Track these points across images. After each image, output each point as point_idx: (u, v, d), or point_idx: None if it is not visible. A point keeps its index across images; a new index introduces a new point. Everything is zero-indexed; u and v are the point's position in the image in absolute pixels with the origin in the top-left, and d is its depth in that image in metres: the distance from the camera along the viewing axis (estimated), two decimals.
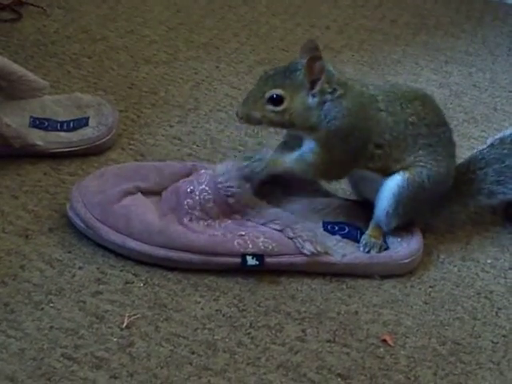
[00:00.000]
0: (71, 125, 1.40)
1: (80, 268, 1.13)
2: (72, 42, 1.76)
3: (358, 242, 1.22)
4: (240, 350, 1.04)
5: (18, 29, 1.79)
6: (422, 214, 1.26)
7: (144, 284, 1.12)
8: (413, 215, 1.24)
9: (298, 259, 1.16)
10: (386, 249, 1.22)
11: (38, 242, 1.17)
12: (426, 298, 1.17)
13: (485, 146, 1.32)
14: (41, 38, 1.76)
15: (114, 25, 1.87)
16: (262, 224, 1.19)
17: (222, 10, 2.06)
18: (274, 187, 1.26)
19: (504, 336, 1.12)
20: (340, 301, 1.14)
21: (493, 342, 1.11)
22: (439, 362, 1.06)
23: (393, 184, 1.20)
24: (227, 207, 1.19)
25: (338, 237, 1.22)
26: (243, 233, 1.16)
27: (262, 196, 1.23)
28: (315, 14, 2.11)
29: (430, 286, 1.20)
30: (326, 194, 1.30)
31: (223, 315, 1.09)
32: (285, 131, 1.24)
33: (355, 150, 1.18)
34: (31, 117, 1.39)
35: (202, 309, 1.09)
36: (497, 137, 1.32)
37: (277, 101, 1.16)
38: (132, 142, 1.44)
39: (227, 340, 1.05)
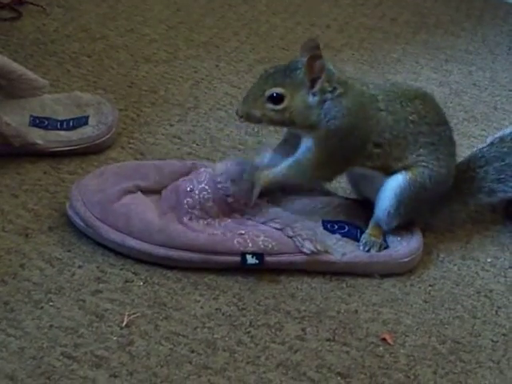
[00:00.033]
0: (71, 123, 1.40)
1: (80, 267, 1.13)
2: (72, 40, 1.76)
3: (357, 240, 1.22)
4: (240, 348, 1.04)
5: (17, 27, 1.79)
6: (422, 213, 1.26)
7: (144, 283, 1.12)
8: (413, 215, 1.24)
9: (298, 258, 1.16)
10: (386, 248, 1.22)
11: (38, 240, 1.17)
12: (425, 296, 1.17)
13: (485, 145, 1.32)
14: (40, 36, 1.76)
15: (114, 23, 1.87)
16: (262, 223, 1.19)
17: (222, 8, 2.06)
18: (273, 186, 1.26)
19: (504, 335, 1.12)
20: (340, 299, 1.14)
21: (493, 341, 1.11)
22: (439, 360, 1.06)
23: (394, 184, 1.20)
24: (226, 206, 1.19)
25: (337, 236, 1.22)
26: (243, 232, 1.16)
27: (261, 195, 1.23)
28: (315, 12, 2.11)
29: (430, 285, 1.20)
30: (326, 193, 1.30)
31: (223, 314, 1.09)
32: (285, 130, 1.24)
33: (354, 149, 1.18)
34: (31, 116, 1.39)
35: (201, 307, 1.09)
36: (497, 135, 1.32)
37: (277, 99, 1.16)
38: (132, 141, 1.44)
39: (227, 339, 1.05)
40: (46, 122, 1.39)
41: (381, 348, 1.07)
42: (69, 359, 0.98)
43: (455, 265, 1.25)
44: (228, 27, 1.95)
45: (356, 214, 1.27)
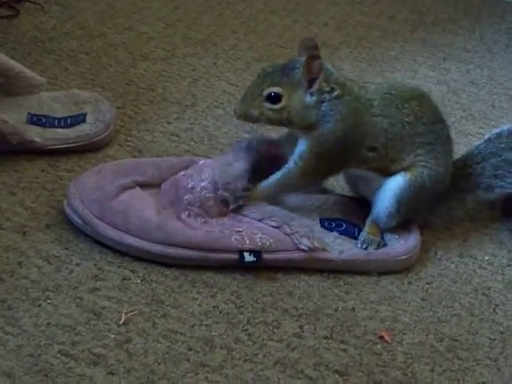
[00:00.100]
0: (69, 121, 1.40)
1: (77, 264, 1.13)
2: (69, 38, 1.76)
3: (355, 238, 1.22)
4: (237, 346, 1.04)
5: (15, 25, 1.79)
6: (421, 212, 1.26)
7: (141, 280, 1.12)
8: (412, 214, 1.24)
9: (296, 255, 1.16)
10: (384, 246, 1.22)
11: (36, 238, 1.17)
12: (423, 294, 1.17)
13: (481, 141, 1.32)
14: (38, 34, 1.76)
15: (112, 21, 1.87)
16: (259, 220, 1.18)
17: (220, 6, 2.06)
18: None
19: (501, 332, 1.12)
20: (337, 297, 1.14)
21: (490, 339, 1.11)
22: (436, 358, 1.06)
23: (394, 184, 1.20)
24: (226, 208, 1.19)
25: (335, 233, 1.22)
26: (240, 229, 1.16)
27: None
28: (313, 10, 2.11)
29: (428, 283, 1.20)
30: (323, 191, 1.30)
31: (220, 312, 1.09)
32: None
33: (346, 153, 1.18)
34: (29, 113, 1.39)
35: (199, 305, 1.09)
36: (493, 132, 1.32)
37: (275, 99, 1.15)
38: (129, 139, 1.44)
39: (224, 336, 1.05)
40: (44, 120, 1.39)
41: (378, 346, 1.07)
42: (66, 357, 0.98)
43: (453, 263, 1.25)
44: (226, 25, 1.95)
45: (353, 212, 1.27)
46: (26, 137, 1.32)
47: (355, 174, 1.24)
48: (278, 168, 1.20)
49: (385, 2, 2.23)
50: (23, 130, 1.32)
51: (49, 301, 1.06)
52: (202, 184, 1.18)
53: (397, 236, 1.23)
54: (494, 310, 1.16)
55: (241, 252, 1.14)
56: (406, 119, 1.18)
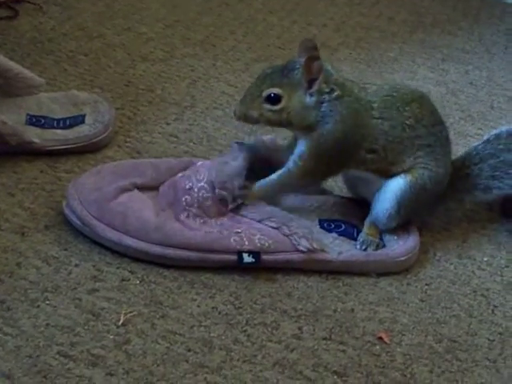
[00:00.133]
0: (67, 122, 1.40)
1: (76, 265, 1.13)
2: (68, 39, 1.76)
3: (354, 239, 1.22)
4: (236, 347, 1.04)
5: (14, 26, 1.79)
6: (420, 213, 1.26)
7: (140, 281, 1.12)
8: (412, 215, 1.24)
9: (295, 256, 1.16)
10: (383, 247, 1.22)
11: (34, 239, 1.17)
12: (422, 295, 1.17)
13: (479, 142, 1.32)
14: (37, 35, 1.76)
15: (111, 22, 1.87)
16: (258, 221, 1.18)
17: (219, 7, 2.06)
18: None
19: (500, 334, 1.12)
20: (336, 298, 1.14)
21: (489, 340, 1.11)
22: (435, 359, 1.06)
23: (395, 186, 1.20)
24: (224, 207, 1.19)
25: (334, 234, 1.22)
26: (239, 230, 1.16)
27: None
28: (312, 11, 2.11)
29: (426, 284, 1.20)
30: (322, 192, 1.30)
31: (219, 313, 1.09)
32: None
33: (345, 154, 1.18)
34: (28, 114, 1.39)
35: (198, 306, 1.09)
36: (492, 133, 1.32)
37: (274, 100, 1.15)
38: (128, 140, 1.44)
39: (223, 337, 1.05)
40: (43, 121, 1.39)
41: (377, 347, 1.07)
42: (65, 358, 0.98)
43: (452, 264, 1.25)
44: (225, 26, 1.95)
45: (352, 213, 1.27)
46: (25, 138, 1.32)
47: (354, 175, 1.24)
48: (275, 170, 1.20)
49: (384, 4, 2.23)
50: (22, 130, 1.32)
51: (48, 302, 1.06)
52: (200, 184, 1.18)
53: (396, 237, 1.23)
54: (492, 311, 1.16)
55: (240, 253, 1.14)
56: (407, 122, 1.18)
